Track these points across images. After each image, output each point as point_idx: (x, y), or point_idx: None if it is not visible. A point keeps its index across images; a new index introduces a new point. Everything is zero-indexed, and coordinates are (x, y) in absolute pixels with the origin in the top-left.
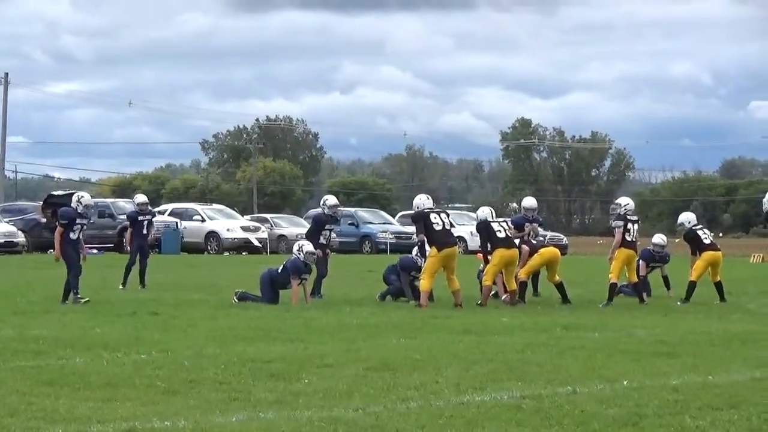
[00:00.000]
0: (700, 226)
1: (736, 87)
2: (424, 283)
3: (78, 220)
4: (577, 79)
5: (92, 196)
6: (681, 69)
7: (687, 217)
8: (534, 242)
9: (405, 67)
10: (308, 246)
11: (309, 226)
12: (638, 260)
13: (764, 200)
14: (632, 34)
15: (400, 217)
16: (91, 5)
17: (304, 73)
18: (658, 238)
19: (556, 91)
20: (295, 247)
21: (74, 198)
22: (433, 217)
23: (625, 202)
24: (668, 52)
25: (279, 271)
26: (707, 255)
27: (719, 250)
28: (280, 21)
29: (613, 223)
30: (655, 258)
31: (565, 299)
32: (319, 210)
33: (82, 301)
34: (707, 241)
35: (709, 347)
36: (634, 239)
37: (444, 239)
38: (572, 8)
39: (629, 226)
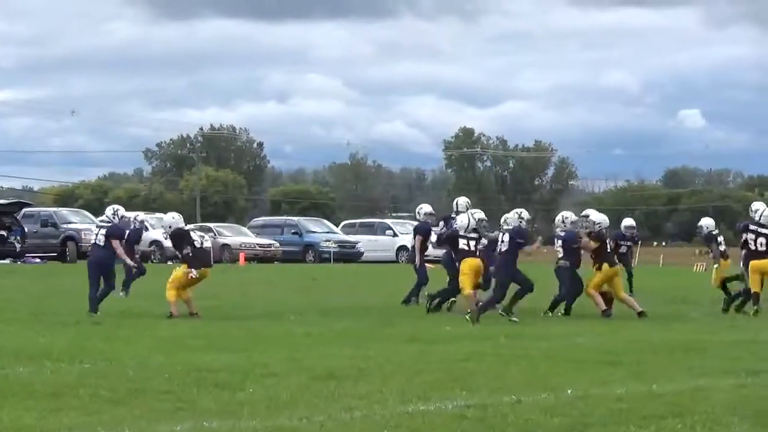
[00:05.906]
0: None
1: (664, 96)
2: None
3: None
4: (510, 88)
5: (35, 206)
6: (609, 79)
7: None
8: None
9: (335, 76)
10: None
11: (251, 234)
12: (608, 241)
13: (702, 223)
14: (553, 44)
15: (343, 226)
16: (12, 14)
17: (235, 81)
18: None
19: (491, 100)
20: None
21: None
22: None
23: (599, 218)
24: (593, 61)
25: None
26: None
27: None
28: (208, 30)
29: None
30: (626, 237)
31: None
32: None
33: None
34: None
35: (653, 356)
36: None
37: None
38: (491, 17)
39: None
